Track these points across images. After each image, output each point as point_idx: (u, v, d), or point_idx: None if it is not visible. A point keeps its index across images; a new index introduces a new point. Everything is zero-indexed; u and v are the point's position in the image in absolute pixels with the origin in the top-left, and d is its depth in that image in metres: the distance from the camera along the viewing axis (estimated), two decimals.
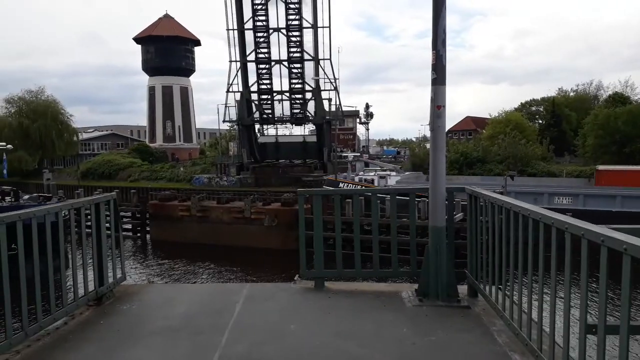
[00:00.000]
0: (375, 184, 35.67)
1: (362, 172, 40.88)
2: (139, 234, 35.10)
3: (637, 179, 28.64)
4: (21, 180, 56.10)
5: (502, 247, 4.13)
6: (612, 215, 24.67)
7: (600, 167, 33.92)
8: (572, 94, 77.94)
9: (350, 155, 44.35)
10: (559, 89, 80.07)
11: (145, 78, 77.75)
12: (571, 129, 63.40)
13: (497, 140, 49.50)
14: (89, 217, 5.01)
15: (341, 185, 35.92)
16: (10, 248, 3.63)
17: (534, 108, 76.86)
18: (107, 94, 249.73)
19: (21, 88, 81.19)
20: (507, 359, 3.70)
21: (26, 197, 25.66)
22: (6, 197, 24.26)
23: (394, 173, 39.92)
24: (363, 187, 31.14)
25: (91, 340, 4.20)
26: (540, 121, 72.11)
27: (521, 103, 77.78)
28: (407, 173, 41.84)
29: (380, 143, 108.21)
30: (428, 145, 5.87)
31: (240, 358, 3.81)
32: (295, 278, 5.80)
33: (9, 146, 24.73)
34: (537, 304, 3.69)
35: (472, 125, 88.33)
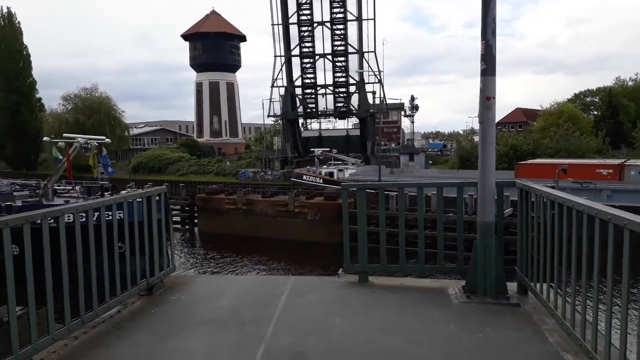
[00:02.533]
0: (335, 176, 38.55)
1: (325, 166, 43.12)
2: (187, 227, 36.15)
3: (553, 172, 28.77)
4: (77, 175, 58.73)
5: (555, 244, 3.98)
6: None
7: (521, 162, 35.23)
8: (630, 83, 74.02)
9: (318, 150, 45.77)
10: (617, 78, 76.26)
11: (193, 74, 79.77)
12: (629, 120, 60.30)
13: (549, 133, 47.74)
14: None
15: (305, 177, 39.11)
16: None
17: (588, 99, 73.54)
18: (157, 90, 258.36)
19: (77, 86, 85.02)
20: (560, 359, 3.57)
21: (124, 192, 25.34)
22: (106, 193, 23.24)
23: (353, 167, 42.58)
24: (324, 179, 36.12)
25: (142, 328, 4.36)
26: (596, 112, 68.95)
27: (575, 94, 74.61)
28: (366, 167, 44.35)
29: (426, 136, 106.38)
30: (476, 138, 5.71)
31: (285, 350, 3.85)
32: (339, 272, 5.80)
33: (107, 140, 23.88)
34: (591, 303, 3.54)
35: (522, 117, 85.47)
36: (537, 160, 36.82)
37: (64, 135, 23.43)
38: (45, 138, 29.22)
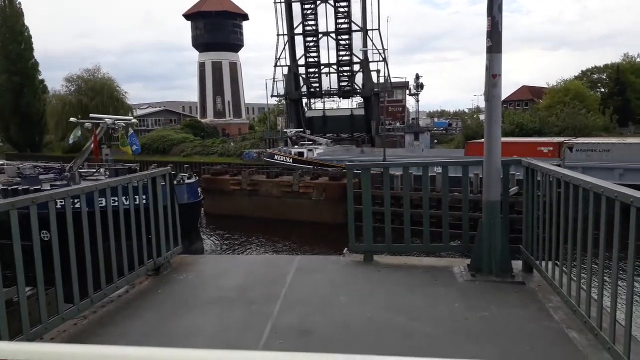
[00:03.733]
0: (305, 156, 40.28)
1: (296, 146, 44.48)
2: None
3: (514, 150, 28.34)
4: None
5: (561, 222, 3.97)
6: None
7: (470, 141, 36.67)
8: (638, 59, 72.81)
9: (292, 131, 46.62)
10: (624, 54, 74.95)
11: (195, 54, 79.13)
12: (637, 98, 59.59)
13: (555, 111, 47.28)
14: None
15: (276, 157, 40.74)
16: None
17: (595, 76, 72.52)
18: (160, 70, 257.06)
19: (79, 67, 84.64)
20: (564, 336, 3.59)
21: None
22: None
23: (322, 147, 44.30)
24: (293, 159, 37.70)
25: (150, 308, 4.41)
26: (603, 90, 68.10)
27: (582, 71, 73.58)
28: (336, 147, 46.25)
29: (431, 115, 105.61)
30: (482, 117, 5.67)
31: (292, 327, 3.90)
32: (344, 251, 5.83)
33: (134, 120, 23.59)
34: (596, 281, 3.54)
35: (528, 94, 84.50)
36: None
37: (91, 115, 22.74)
38: (71, 119, 28.50)
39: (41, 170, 24.45)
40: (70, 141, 22.62)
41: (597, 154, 27.38)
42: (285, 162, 39.13)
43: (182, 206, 19.26)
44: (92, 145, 21.81)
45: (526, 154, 25.81)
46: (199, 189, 24.17)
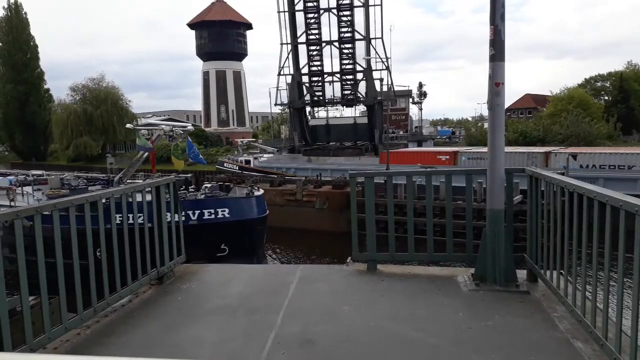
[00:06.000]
0: (251, 164, 42.45)
1: (245, 154, 46.85)
2: None
3: (414, 158, 33.98)
4: (86, 165, 59.19)
5: (565, 231, 3.95)
6: None
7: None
8: None
9: (244, 140, 48.40)
10: (628, 62, 74.91)
11: (199, 63, 79.60)
12: None
13: (559, 119, 47.24)
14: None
15: (225, 165, 42.83)
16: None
17: (599, 84, 72.51)
18: (164, 79, 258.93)
19: (84, 76, 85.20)
20: (570, 346, 3.56)
21: (208, 185, 22.07)
22: (190, 187, 21.26)
23: (268, 155, 46.82)
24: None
25: (153, 317, 4.40)
26: (607, 98, 68.00)
27: (585, 79, 73.58)
28: (281, 155, 48.63)
29: (434, 123, 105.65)
30: (485, 125, 5.67)
31: (295, 338, 3.88)
32: (347, 260, 5.81)
33: (189, 126, 21.74)
34: (602, 291, 3.52)
35: (531, 103, 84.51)
36: (402, 149, 42.62)
37: (147, 122, 21.68)
38: (128, 125, 27.45)
39: (84, 181, 23.85)
40: (143, 148, 20.46)
41: (484, 162, 28.78)
42: (233, 169, 41.15)
43: (253, 221, 17.79)
44: (144, 155, 20.17)
45: (427, 162, 27.84)
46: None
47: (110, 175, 23.51)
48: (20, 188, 20.63)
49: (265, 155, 46.44)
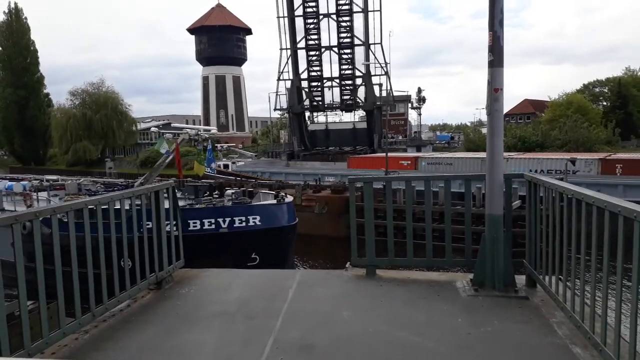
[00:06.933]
0: (229, 168, 43.81)
1: (224, 159, 47.88)
2: None
3: (376, 163, 35.33)
4: (85, 169, 59.18)
5: (564, 236, 3.95)
6: None
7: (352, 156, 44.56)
8: None
9: (225, 145, 49.25)
10: (626, 68, 75.15)
11: (199, 68, 79.78)
12: (639, 111, 59.56)
13: (558, 124, 47.34)
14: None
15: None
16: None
17: (597, 89, 72.69)
18: (164, 84, 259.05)
19: (84, 81, 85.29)
20: (568, 352, 3.56)
21: (231, 190, 20.70)
22: (214, 193, 20.37)
23: (247, 159, 47.96)
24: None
25: (152, 322, 4.39)
26: (605, 103, 68.18)
27: (584, 84, 73.79)
28: (258, 160, 51.00)
29: (433, 128, 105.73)
30: (484, 130, 5.68)
31: (294, 343, 3.87)
32: (346, 265, 5.80)
33: (213, 130, 21.28)
34: (600, 296, 3.51)
35: (530, 108, 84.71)
36: (367, 155, 44.71)
37: (172, 125, 21.16)
38: (153, 129, 26.79)
39: (101, 186, 23.26)
40: (163, 151, 19.86)
41: (442, 167, 34.01)
42: (210, 173, 41.41)
43: (285, 229, 17.01)
44: (168, 159, 19.36)
45: (390, 166, 29.54)
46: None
47: (130, 180, 22.97)
48: (36, 194, 20.13)
49: (243, 160, 48.01)
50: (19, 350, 3.34)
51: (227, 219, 15.79)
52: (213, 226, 14.61)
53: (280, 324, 4.24)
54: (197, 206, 16.99)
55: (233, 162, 46.18)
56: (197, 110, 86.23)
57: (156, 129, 22.73)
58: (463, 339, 3.85)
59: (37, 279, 3.47)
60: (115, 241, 4.44)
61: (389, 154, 37.98)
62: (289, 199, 18.44)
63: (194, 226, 14.61)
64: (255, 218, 16.15)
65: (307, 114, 54.56)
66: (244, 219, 15.98)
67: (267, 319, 4.34)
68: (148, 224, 5.06)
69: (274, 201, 17.70)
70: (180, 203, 17.81)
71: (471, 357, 3.58)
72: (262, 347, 3.79)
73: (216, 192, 20.35)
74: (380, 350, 3.72)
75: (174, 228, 5.61)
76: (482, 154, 36.93)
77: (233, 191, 19.90)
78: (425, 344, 3.79)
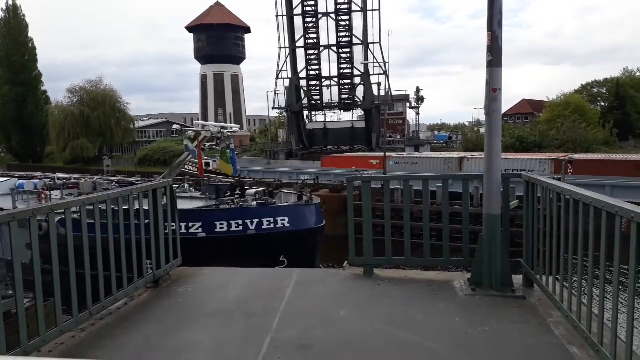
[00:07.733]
0: (211, 166, 42.06)
1: (206, 157, 47.35)
2: None
3: (349, 162, 36.50)
4: (83, 167, 59.08)
5: (561, 236, 3.96)
6: None
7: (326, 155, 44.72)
8: (638, 74, 73.09)
9: (207, 144, 48.99)
10: (624, 68, 75.25)
11: (197, 66, 79.65)
12: (637, 112, 59.69)
13: (556, 124, 47.39)
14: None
15: (186, 167, 42.01)
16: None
17: (595, 90, 72.77)
18: (163, 82, 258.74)
19: (82, 78, 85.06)
20: (565, 352, 3.57)
21: (252, 190, 19.64)
22: (235, 193, 19.76)
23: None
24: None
25: (150, 321, 4.39)
26: (603, 104, 68.28)
27: (582, 85, 73.88)
28: (242, 158, 48.86)
29: (432, 128, 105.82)
30: (482, 130, 5.69)
31: (291, 342, 3.87)
32: (344, 264, 5.81)
33: (234, 127, 20.12)
34: (598, 296, 3.52)
35: (528, 108, 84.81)
36: (341, 154, 45.05)
37: (195, 122, 20.56)
38: (175, 126, 26.55)
39: (116, 184, 22.73)
40: (192, 147, 18.62)
41: (408, 166, 35.01)
42: (192, 171, 41.47)
43: (313, 231, 16.33)
44: (189, 157, 18.70)
45: (360, 166, 32.31)
46: None
47: (144, 179, 22.64)
48: (49, 192, 19.63)
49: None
50: (16, 348, 3.33)
51: (255, 220, 15.09)
52: (240, 227, 14.08)
53: (277, 322, 4.24)
54: (222, 207, 16.46)
55: (214, 161, 46.16)
56: (196, 109, 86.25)
57: (177, 126, 22.37)
58: (460, 339, 3.86)
59: (35, 277, 3.46)
60: (114, 241, 4.44)
61: (359, 154, 38.85)
62: (317, 200, 17.73)
63: (220, 228, 14.12)
64: (284, 219, 15.56)
65: (306, 112, 54.53)
66: (272, 220, 15.33)
67: (265, 318, 4.34)
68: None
69: (302, 202, 17.05)
70: (201, 203, 17.87)
71: (468, 357, 3.58)
72: (259, 346, 3.79)
73: (237, 192, 19.65)
74: (378, 350, 3.73)
75: (172, 226, 5.60)
76: (446, 154, 38.37)
77: (256, 191, 19.03)
78: (422, 344, 3.80)
